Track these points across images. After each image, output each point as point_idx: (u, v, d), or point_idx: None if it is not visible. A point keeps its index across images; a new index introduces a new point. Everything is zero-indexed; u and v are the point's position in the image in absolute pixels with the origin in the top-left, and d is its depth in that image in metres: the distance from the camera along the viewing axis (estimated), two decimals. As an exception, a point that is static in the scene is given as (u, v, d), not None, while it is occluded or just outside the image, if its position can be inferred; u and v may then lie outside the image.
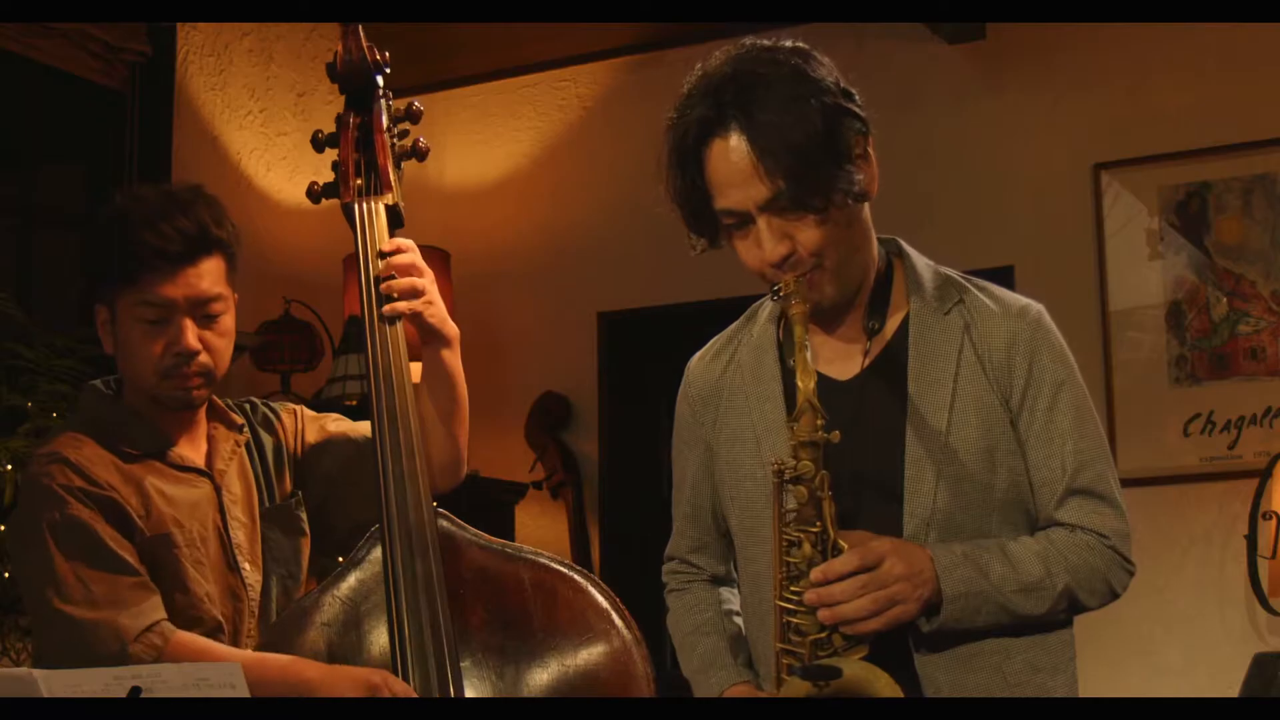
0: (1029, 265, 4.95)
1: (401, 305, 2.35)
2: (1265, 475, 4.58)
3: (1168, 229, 4.89)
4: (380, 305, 2.35)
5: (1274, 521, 4.49)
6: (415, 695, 2.17)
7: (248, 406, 2.56)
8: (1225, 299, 4.80)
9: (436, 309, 2.40)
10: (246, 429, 2.51)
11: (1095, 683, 4.67)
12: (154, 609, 2.26)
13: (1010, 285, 4.71)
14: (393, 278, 2.36)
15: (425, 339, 2.44)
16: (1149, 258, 4.90)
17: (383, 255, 2.37)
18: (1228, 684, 3.94)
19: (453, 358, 2.47)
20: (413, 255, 2.38)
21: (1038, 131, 5.09)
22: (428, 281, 2.39)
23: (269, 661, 2.22)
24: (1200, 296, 4.83)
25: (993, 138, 5.16)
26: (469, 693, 2.22)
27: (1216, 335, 4.80)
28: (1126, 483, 5.02)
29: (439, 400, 2.47)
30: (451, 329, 2.45)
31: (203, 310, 2.35)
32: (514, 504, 5.48)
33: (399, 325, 2.37)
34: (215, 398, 2.48)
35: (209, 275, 2.35)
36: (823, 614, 1.96)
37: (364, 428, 2.51)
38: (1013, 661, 2.09)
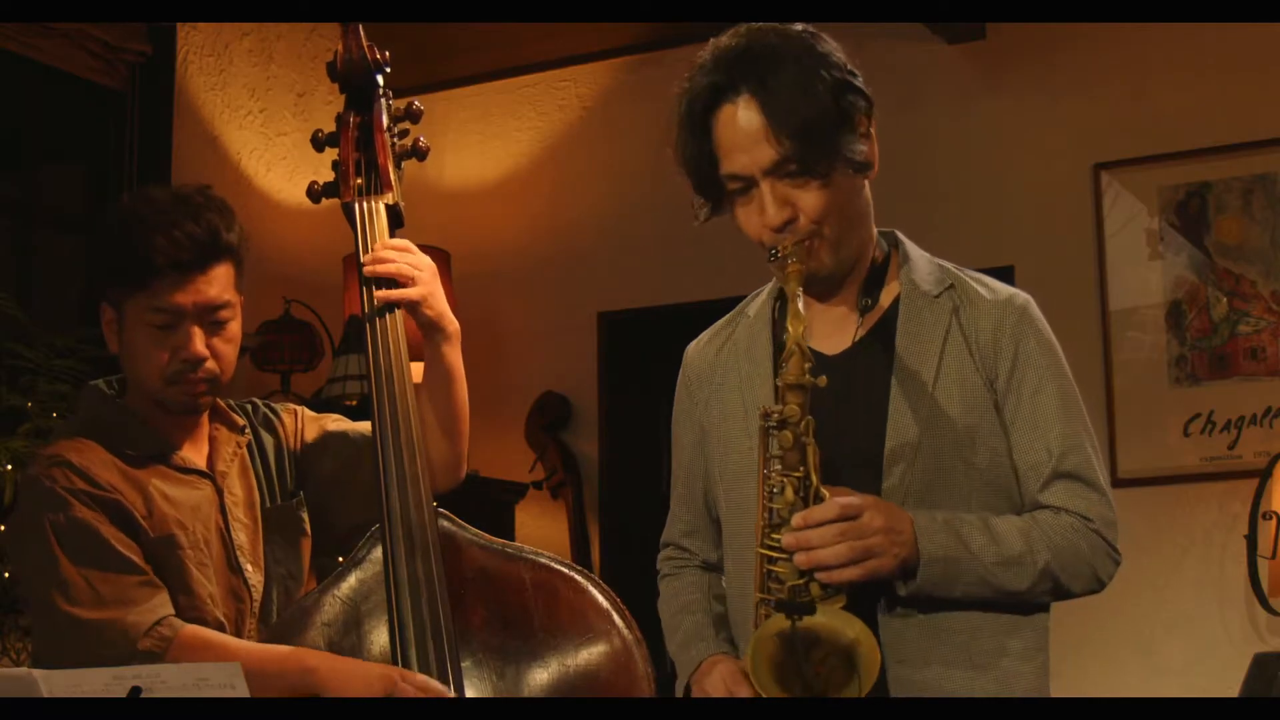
0: (1029, 265, 4.95)
1: (394, 294, 2.34)
2: (1265, 475, 4.58)
3: (1168, 229, 4.88)
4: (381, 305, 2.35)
5: (1274, 521, 4.48)
6: (433, 681, 2.15)
7: (249, 407, 2.56)
8: (1225, 299, 4.80)
9: (434, 302, 2.38)
10: (248, 430, 2.51)
11: (1095, 682, 4.68)
12: (162, 605, 2.26)
13: (1009, 285, 4.70)
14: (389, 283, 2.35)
15: (424, 333, 2.43)
16: (1149, 258, 4.90)
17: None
18: (1228, 684, 3.94)
19: (453, 354, 2.45)
20: (396, 265, 2.35)
21: (1038, 131, 5.08)
22: (428, 275, 2.38)
23: (270, 653, 2.22)
24: (1200, 296, 4.83)
25: (993, 138, 5.15)
26: (469, 692, 2.22)
27: (1216, 335, 4.80)
28: (1126, 483, 5.00)
29: (438, 398, 2.47)
30: (451, 323, 2.43)
31: (211, 316, 2.35)
32: (514, 504, 5.48)
33: (399, 325, 2.36)
34: (218, 399, 2.48)
35: (218, 282, 2.34)
36: (799, 558, 1.97)
37: (364, 428, 2.50)
38: (981, 641, 2.09)
